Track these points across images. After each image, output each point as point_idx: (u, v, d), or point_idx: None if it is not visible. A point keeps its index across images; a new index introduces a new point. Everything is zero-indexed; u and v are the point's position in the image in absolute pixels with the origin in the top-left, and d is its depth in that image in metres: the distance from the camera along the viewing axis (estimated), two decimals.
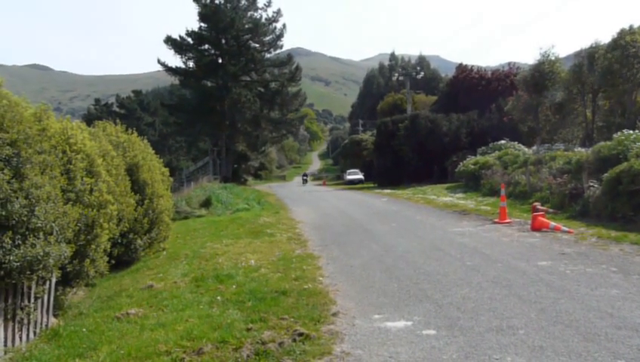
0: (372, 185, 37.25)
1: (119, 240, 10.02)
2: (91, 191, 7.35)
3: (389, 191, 27.95)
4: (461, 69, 36.70)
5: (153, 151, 13.84)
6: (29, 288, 5.96)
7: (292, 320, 5.46)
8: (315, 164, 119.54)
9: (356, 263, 8.67)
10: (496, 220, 12.74)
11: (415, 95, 55.69)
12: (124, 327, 5.65)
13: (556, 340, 4.54)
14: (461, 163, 24.18)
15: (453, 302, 5.94)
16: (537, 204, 13.97)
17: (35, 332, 6.15)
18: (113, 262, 9.43)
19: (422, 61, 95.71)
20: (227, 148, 50.58)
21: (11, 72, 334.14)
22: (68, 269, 7.00)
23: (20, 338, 5.87)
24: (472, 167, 22.53)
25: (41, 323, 6.32)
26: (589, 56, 24.85)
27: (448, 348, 4.56)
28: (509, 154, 21.96)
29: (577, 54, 25.99)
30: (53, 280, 6.54)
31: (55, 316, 7.07)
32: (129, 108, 78.89)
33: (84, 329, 5.79)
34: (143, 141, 12.65)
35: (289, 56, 50.08)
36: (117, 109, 79.28)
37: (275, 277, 7.72)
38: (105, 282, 9.31)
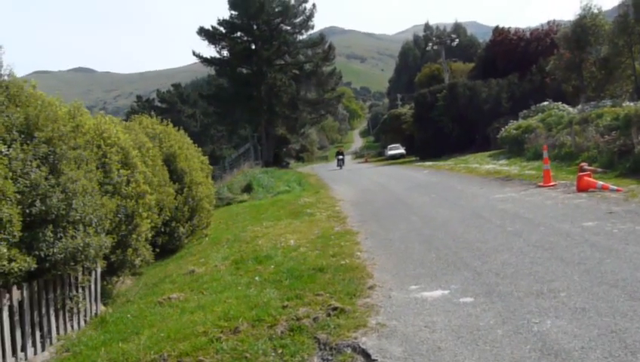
0: (413, 158, 36.76)
1: (162, 229, 10.30)
2: (128, 182, 7.55)
3: (430, 163, 27.48)
4: (498, 32, 35.21)
5: (191, 141, 14.13)
6: (76, 279, 6.22)
7: (328, 295, 5.46)
8: (357, 142, 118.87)
9: (395, 236, 8.59)
10: (540, 184, 12.31)
11: (452, 63, 54.18)
12: (165, 311, 5.82)
13: (600, 301, 4.36)
14: (503, 129, 23.44)
15: (493, 269, 5.80)
16: (584, 164, 13.40)
17: (85, 321, 6.44)
18: (158, 250, 9.74)
19: (457, 28, 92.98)
20: (267, 133, 50.90)
21: (58, 78, 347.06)
22: (112, 259, 7.26)
23: (72, 326, 6.16)
24: (515, 131, 21.81)
25: (91, 312, 6.61)
26: (635, 5, 23.39)
27: (485, 314, 4.46)
28: (552, 115, 21.11)
29: (622, 4, 24.51)
30: (99, 270, 6.79)
31: (105, 304, 7.37)
32: (170, 102, 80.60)
33: (128, 316, 6.01)
34: (179, 131, 12.90)
35: (321, 36, 49.66)
36: (158, 104, 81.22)
37: (313, 255, 7.74)
38: (151, 270, 9.61)
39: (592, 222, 7.46)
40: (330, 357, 4.16)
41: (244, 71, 50.15)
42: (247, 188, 20.89)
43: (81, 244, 5.45)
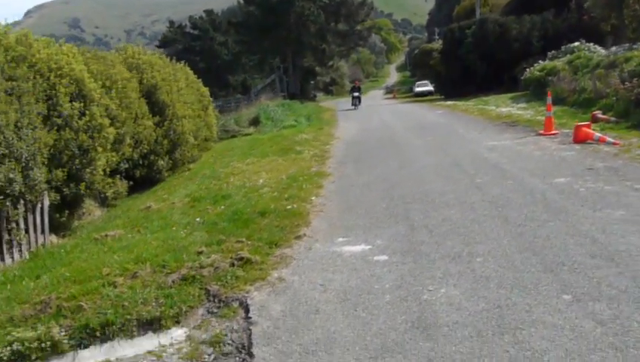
0: (439, 97, 35.49)
1: (140, 162, 10.26)
2: (83, 115, 7.38)
3: (451, 102, 26.41)
4: None
5: (190, 72, 13.83)
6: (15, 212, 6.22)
7: (249, 243, 5.29)
8: (393, 77, 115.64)
9: (361, 181, 8.28)
10: (540, 132, 11.60)
11: None
12: (94, 248, 5.79)
13: (510, 270, 4.03)
14: (527, 70, 22.09)
15: (430, 225, 5.47)
16: (598, 113, 12.60)
17: (31, 252, 6.49)
18: (131, 183, 9.74)
19: None
20: (294, 65, 49.91)
21: (97, 0, 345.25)
22: (65, 193, 7.23)
23: (12, 257, 6.22)
24: (538, 73, 20.52)
25: (37, 243, 6.65)
26: None
27: (388, 276, 4.21)
28: (581, 57, 19.64)
29: None
30: (46, 202, 6.78)
31: (62, 236, 7.45)
32: (202, 28, 79.23)
33: (62, 251, 6.01)
34: (171, 62, 12.58)
35: None
36: (190, 30, 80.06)
37: (268, 196, 7.55)
38: (127, 202, 9.66)
39: (564, 178, 6.95)
40: (215, 310, 4.04)
41: None
42: (255, 121, 20.66)
43: (2, 179, 5.36)
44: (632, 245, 4.27)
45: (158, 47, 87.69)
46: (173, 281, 4.30)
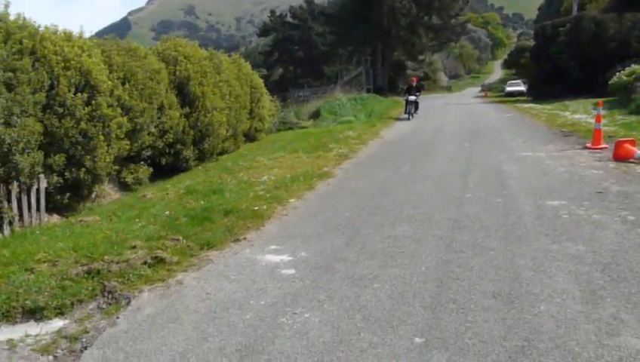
0: (527, 98, 33.31)
1: (167, 150, 10.72)
2: (88, 104, 7.84)
3: (533, 105, 24.70)
4: None
5: (243, 64, 14.16)
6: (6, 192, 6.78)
7: (184, 242, 5.36)
8: (497, 74, 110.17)
9: (355, 186, 8.05)
10: (587, 145, 10.53)
11: None
12: (59, 232, 6.14)
13: (394, 303, 3.72)
14: (617, 73, 20.07)
15: (369, 241, 5.20)
16: None
17: (23, 227, 7.05)
18: (153, 170, 10.21)
19: None
20: (383, 58, 49.27)
21: None
22: (66, 176, 7.75)
23: (2, 232, 6.80)
24: (626, 78, 18.57)
25: (31, 222, 7.20)
26: None
27: (273, 292, 4.08)
28: None
29: None
30: (42, 185, 7.31)
31: (66, 216, 8.00)
32: (301, 18, 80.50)
33: (36, 231, 6.45)
34: (213, 53, 12.93)
35: None
36: (290, 20, 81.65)
37: (254, 194, 7.58)
38: (150, 187, 10.14)
39: (559, 201, 6.27)
40: (104, 306, 4.14)
41: None
42: (315, 115, 20.72)
43: None
44: (549, 287, 3.78)
45: (259, 35, 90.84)
46: (77, 274, 4.47)
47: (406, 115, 20.27)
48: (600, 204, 6.04)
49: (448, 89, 68.53)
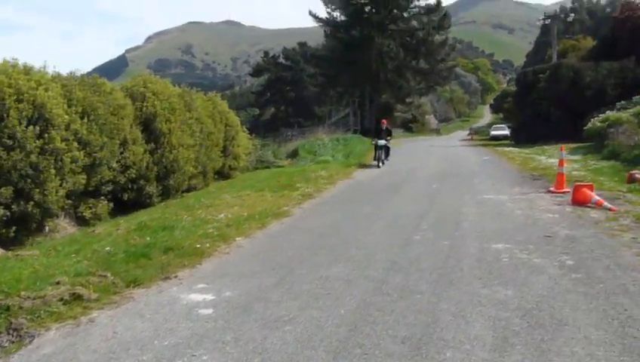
0: (509, 142, 33.70)
1: (129, 186, 10.62)
2: (40, 137, 7.78)
3: (512, 149, 24.97)
4: (627, 6, 29.57)
5: (219, 102, 14.24)
6: None
7: (111, 279, 5.19)
8: (486, 118, 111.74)
9: (308, 226, 7.95)
10: (551, 188, 10.57)
11: (583, 40, 47.97)
12: None
13: (289, 347, 3.58)
14: (591, 120, 20.40)
15: (297, 282, 5.06)
16: (636, 173, 11.38)
17: None
18: (112, 205, 10.07)
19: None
20: (370, 100, 49.96)
21: (209, 29, 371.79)
22: (13, 209, 7.61)
23: None
24: (599, 124, 18.87)
25: None
26: None
27: (180, 333, 3.91)
28: None
29: None
30: None
31: (11, 250, 7.80)
32: (293, 59, 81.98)
33: None
34: (183, 91, 13.00)
35: (438, 3, 46.61)
36: (283, 61, 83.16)
37: (202, 232, 7.46)
38: (104, 224, 9.96)
39: (503, 245, 6.19)
40: (6, 345, 3.96)
41: (355, 34, 49.12)
42: (294, 154, 20.79)
43: None
44: (462, 333, 3.65)
45: (252, 75, 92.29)
46: None
47: (375, 162, 17.37)
48: (544, 248, 5.97)
49: (437, 132, 69.33)
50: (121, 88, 11.27)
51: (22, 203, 7.59)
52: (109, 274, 5.28)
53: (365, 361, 3.32)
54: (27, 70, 8.27)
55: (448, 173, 14.99)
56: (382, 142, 17.77)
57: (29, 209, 7.69)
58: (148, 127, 11.09)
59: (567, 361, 3.21)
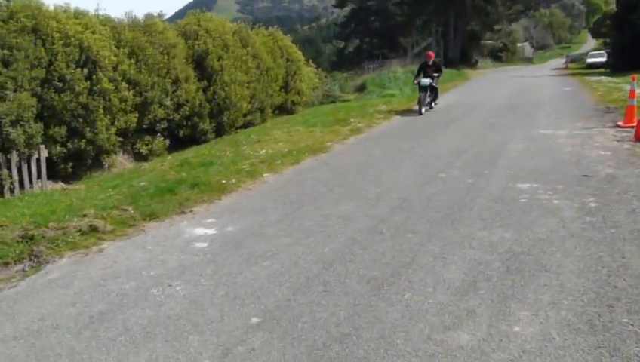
0: (605, 70, 30.65)
1: (184, 123, 11.09)
2: (88, 79, 8.25)
3: (603, 78, 22.75)
4: None
5: (280, 37, 14.21)
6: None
7: (131, 212, 5.58)
8: (590, 43, 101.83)
9: (344, 162, 7.94)
10: (619, 123, 9.64)
11: None
12: (41, 199, 6.61)
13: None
14: None
15: (297, 219, 5.16)
16: None
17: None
18: (168, 141, 10.61)
19: None
20: (455, 28, 47.25)
21: None
22: (69, 147, 8.27)
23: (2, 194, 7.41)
24: None
25: (32, 189, 7.78)
26: None
27: (170, 264, 4.18)
28: None
29: None
30: (43, 154, 7.85)
31: (70, 183, 8.56)
32: None
33: (26, 198, 6.98)
34: (241, 27, 13.02)
35: None
36: None
37: (238, 168, 7.72)
38: (162, 159, 10.57)
39: (530, 184, 5.84)
40: (27, 269, 4.45)
41: None
42: (361, 88, 20.38)
43: None
44: (432, 276, 3.59)
45: (335, 6, 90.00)
46: (12, 238, 4.82)
47: (417, 107, 13.62)
48: (573, 189, 5.56)
49: (529, 61, 64.55)
50: (175, 27, 11.52)
51: (76, 141, 8.22)
52: (130, 208, 5.67)
53: (322, 298, 3.38)
54: (77, 15, 8.68)
55: (515, 105, 14.09)
56: (426, 81, 13.73)
57: (82, 146, 8.32)
58: (200, 64, 11.34)
59: (525, 308, 3.07)
